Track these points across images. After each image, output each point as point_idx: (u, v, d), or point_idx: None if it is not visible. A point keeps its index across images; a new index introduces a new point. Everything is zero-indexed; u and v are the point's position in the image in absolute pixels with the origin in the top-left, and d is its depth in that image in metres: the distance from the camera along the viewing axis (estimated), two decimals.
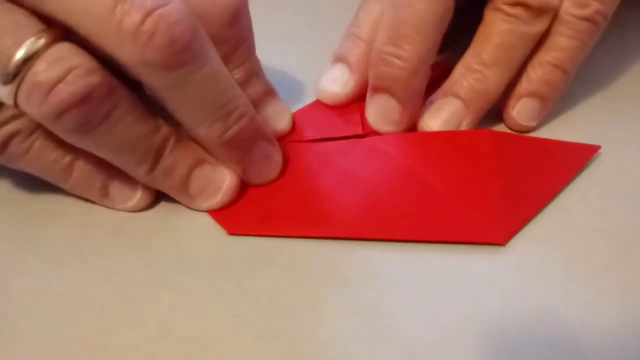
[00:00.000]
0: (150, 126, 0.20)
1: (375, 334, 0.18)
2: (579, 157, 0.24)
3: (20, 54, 0.17)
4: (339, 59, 0.27)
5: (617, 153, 0.24)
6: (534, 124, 0.25)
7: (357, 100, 0.26)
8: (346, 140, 0.24)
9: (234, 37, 0.21)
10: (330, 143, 0.24)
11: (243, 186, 0.23)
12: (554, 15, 0.24)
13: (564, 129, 0.26)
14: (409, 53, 0.23)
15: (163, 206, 0.22)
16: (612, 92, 0.28)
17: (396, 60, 0.23)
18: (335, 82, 0.26)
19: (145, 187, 0.22)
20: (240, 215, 0.22)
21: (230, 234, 0.21)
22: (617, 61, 0.29)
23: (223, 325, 0.18)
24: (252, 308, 0.19)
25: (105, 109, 0.18)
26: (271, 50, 0.30)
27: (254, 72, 0.23)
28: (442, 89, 0.25)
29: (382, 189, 0.22)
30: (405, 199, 0.22)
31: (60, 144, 0.20)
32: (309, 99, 0.27)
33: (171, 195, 0.22)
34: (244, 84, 0.22)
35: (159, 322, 0.19)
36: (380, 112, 0.24)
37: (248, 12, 0.22)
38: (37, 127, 0.20)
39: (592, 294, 0.19)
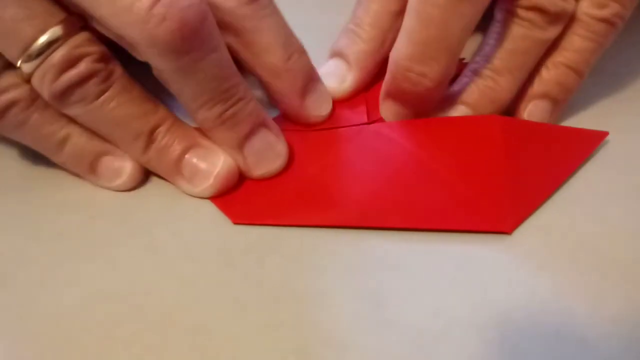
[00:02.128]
0: (146, 107, 0.21)
1: (381, 323, 0.18)
2: (586, 143, 0.23)
3: (43, 39, 0.19)
4: (337, 54, 0.26)
5: (625, 139, 0.24)
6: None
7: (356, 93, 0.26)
8: (351, 128, 0.24)
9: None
10: (335, 130, 0.24)
11: (247, 176, 0.23)
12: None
13: (571, 115, 0.25)
14: (437, 72, 0.22)
15: (168, 196, 0.22)
16: (620, 78, 0.27)
17: (423, 80, 0.22)
18: (333, 77, 0.26)
19: (132, 170, 0.22)
20: (246, 204, 0.22)
21: (236, 223, 0.21)
22: (625, 49, 0.29)
23: (229, 314, 0.18)
24: (258, 297, 0.19)
25: (101, 88, 0.20)
26: None
27: (299, 50, 0.23)
28: (451, 96, 0.24)
29: (387, 177, 0.22)
30: (411, 186, 0.22)
31: (56, 118, 0.21)
32: None
33: (167, 179, 0.22)
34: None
35: (164, 311, 0.19)
36: (394, 117, 0.24)
37: None
38: (35, 98, 0.20)
39: (598, 282, 0.19)
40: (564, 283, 0.19)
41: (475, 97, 0.23)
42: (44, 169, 0.23)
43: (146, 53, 0.19)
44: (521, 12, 0.23)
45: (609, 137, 0.24)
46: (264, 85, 0.24)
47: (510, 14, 0.23)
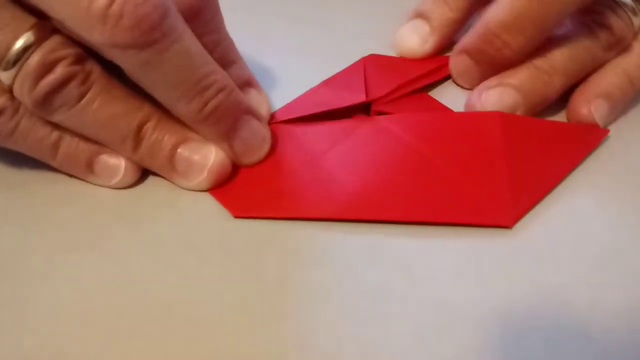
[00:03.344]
0: (130, 105, 0.21)
1: (382, 316, 0.18)
2: (588, 140, 0.23)
3: (17, 45, 0.19)
4: (420, 15, 0.27)
5: (626, 137, 0.24)
6: (603, 125, 0.25)
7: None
8: (352, 120, 0.24)
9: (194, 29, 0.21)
10: (336, 123, 0.24)
11: (247, 169, 0.23)
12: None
13: None
14: (520, 45, 0.24)
15: (168, 189, 0.22)
16: None
17: (504, 48, 0.24)
18: (415, 37, 0.27)
19: (129, 166, 0.22)
20: (246, 197, 0.22)
21: (236, 216, 0.21)
22: None
23: (228, 307, 0.18)
24: (258, 290, 0.19)
25: (81, 90, 0.20)
26: (275, 32, 0.30)
27: (228, 61, 0.23)
28: (501, 76, 0.25)
29: (388, 170, 0.22)
30: (411, 179, 0.22)
31: (45, 122, 0.21)
32: (314, 82, 0.27)
33: (163, 176, 0.22)
34: None
35: (164, 304, 0.19)
36: (462, 71, 0.26)
37: (212, 5, 0.22)
38: (20, 105, 0.20)
39: (599, 276, 0.19)
40: (565, 277, 0.19)
41: (528, 86, 0.24)
42: (44, 162, 0.23)
43: (109, 53, 0.19)
44: (593, 27, 0.24)
45: (610, 134, 0.24)
46: None
47: (583, 25, 0.24)
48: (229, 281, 0.19)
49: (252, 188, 0.22)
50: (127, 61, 0.19)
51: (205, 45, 0.21)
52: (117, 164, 0.22)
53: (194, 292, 0.19)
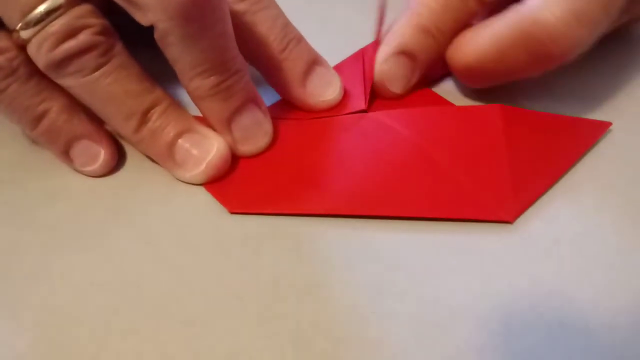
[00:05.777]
0: (143, 86, 0.21)
1: (382, 313, 0.18)
2: (590, 133, 0.23)
3: (43, 6, 0.19)
4: (404, 52, 0.24)
5: (629, 129, 0.24)
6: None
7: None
8: (350, 115, 0.24)
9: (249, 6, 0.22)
10: (334, 119, 0.24)
11: (243, 164, 0.22)
12: None
13: (575, 105, 0.25)
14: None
15: (164, 185, 0.22)
16: (625, 70, 0.27)
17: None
18: (401, 81, 0.25)
19: (107, 157, 0.22)
20: (242, 193, 0.21)
21: (232, 212, 0.21)
22: (628, 37, 0.29)
23: (225, 306, 0.18)
24: (255, 288, 0.19)
25: (99, 62, 0.20)
26: None
27: (292, 37, 0.23)
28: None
29: (387, 165, 0.22)
30: (411, 175, 0.21)
31: (35, 93, 0.21)
32: None
33: (157, 162, 0.22)
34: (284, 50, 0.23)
35: (160, 302, 0.18)
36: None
37: None
38: (17, 68, 0.20)
39: (602, 272, 0.19)
40: (567, 273, 0.19)
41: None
42: (36, 159, 0.23)
43: (156, 16, 0.19)
44: None
45: (612, 127, 0.23)
46: (265, 78, 0.24)
47: None
48: (225, 279, 0.19)
49: (249, 183, 0.22)
50: (169, 27, 0.19)
51: (265, 20, 0.22)
52: (96, 153, 0.22)
53: (189, 290, 0.19)
